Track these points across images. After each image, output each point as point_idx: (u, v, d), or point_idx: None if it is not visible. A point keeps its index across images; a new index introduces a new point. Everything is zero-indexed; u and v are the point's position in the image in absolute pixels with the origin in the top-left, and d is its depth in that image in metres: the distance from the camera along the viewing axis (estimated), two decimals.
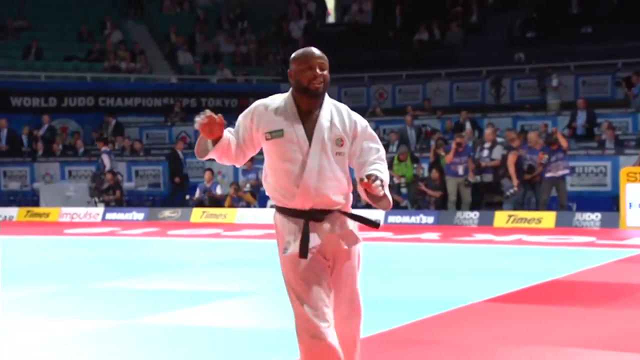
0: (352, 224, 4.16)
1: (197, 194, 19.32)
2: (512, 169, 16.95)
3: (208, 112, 3.93)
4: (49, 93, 24.56)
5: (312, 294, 4.01)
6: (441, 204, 17.78)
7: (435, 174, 17.98)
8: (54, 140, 22.46)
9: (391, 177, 19.12)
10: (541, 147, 17.29)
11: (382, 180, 3.89)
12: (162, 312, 7.93)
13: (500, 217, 16.66)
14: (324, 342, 3.97)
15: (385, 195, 3.92)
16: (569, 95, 22.17)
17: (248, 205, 18.16)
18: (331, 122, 4.02)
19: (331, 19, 28.71)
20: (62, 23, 26.82)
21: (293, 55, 4.02)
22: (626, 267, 10.96)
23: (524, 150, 17.40)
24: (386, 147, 18.44)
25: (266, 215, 17.03)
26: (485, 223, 16.57)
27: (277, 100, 4.08)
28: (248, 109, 4.11)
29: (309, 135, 3.98)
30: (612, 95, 21.91)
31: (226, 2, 29.68)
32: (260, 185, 17.82)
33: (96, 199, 20.48)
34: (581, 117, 19.87)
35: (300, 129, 3.99)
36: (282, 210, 4.11)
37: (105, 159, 20.43)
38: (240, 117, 4.11)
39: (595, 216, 16.17)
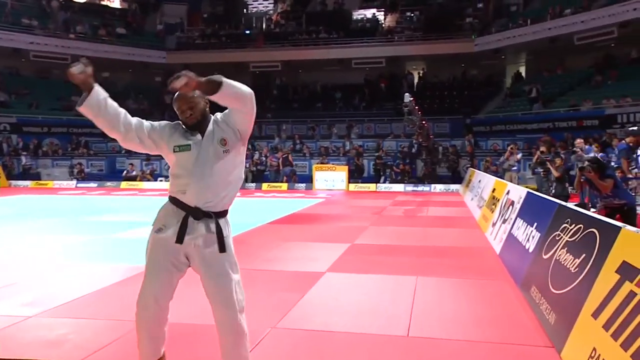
0: (221, 231, 2.27)
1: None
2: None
3: (82, 59, 2.07)
4: None
5: (150, 276, 2.26)
6: None
7: None
8: None
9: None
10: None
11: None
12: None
13: (265, 186, 16.46)
14: (138, 316, 2.26)
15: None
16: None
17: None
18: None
19: None
20: None
21: None
22: (318, 206, 11.24)
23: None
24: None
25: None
26: (258, 188, 16.23)
27: (179, 125, 2.30)
28: (159, 122, 2.32)
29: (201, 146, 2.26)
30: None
31: None
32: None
33: None
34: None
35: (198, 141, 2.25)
36: (174, 200, 2.29)
37: None
38: (156, 123, 2.31)
39: (304, 185, 16.49)
